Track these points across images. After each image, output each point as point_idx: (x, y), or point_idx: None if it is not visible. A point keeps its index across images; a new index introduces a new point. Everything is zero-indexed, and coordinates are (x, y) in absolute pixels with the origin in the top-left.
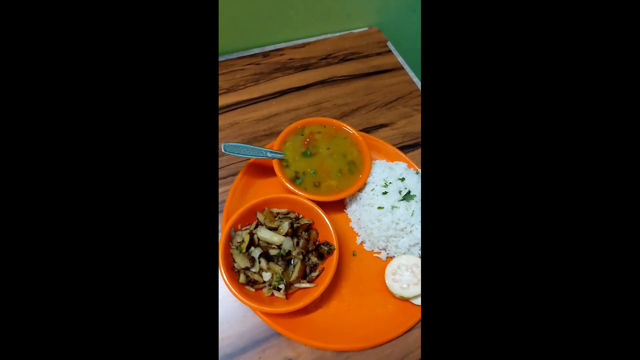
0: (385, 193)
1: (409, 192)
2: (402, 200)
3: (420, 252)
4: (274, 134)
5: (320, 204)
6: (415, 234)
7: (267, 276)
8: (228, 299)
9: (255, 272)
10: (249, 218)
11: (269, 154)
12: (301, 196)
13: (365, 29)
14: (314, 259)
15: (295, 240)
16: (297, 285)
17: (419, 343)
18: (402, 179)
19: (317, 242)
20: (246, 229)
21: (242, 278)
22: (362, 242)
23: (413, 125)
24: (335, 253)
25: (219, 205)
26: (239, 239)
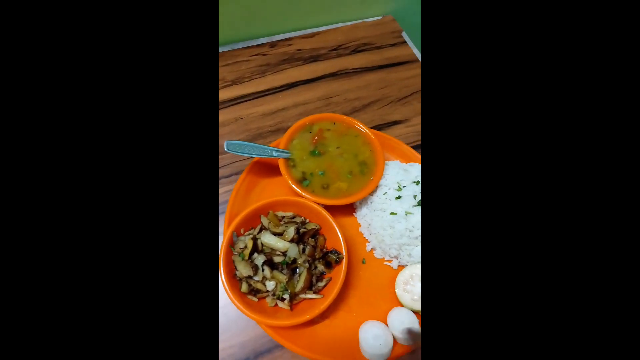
0: (398, 198)
1: None
2: (417, 206)
3: None
4: (280, 130)
5: (328, 207)
6: None
7: (270, 285)
8: (229, 307)
9: (258, 281)
10: (252, 222)
11: (274, 153)
12: (308, 199)
13: (379, 17)
14: (320, 268)
15: (302, 246)
16: (303, 295)
17: None
18: (418, 183)
19: (325, 250)
20: (249, 234)
21: (244, 287)
22: (372, 249)
23: None
24: (344, 262)
25: (221, 207)
26: (241, 245)
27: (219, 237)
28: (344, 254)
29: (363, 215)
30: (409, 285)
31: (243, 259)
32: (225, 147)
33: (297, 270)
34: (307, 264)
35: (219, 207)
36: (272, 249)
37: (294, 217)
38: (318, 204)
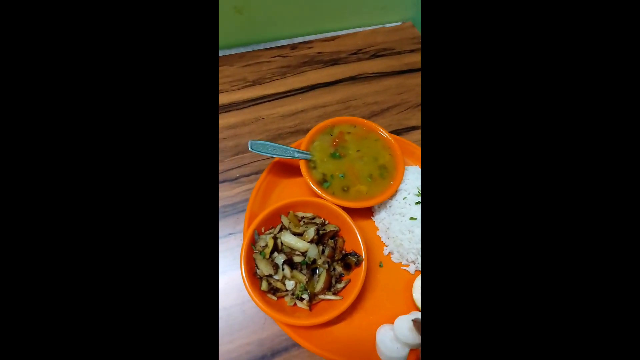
0: (418, 203)
1: None
2: None
3: None
4: (300, 131)
5: (347, 209)
6: None
7: (290, 285)
8: (248, 304)
9: (278, 280)
10: (272, 221)
11: (296, 154)
12: (328, 201)
13: (398, 23)
14: (339, 269)
15: (321, 247)
16: (322, 296)
17: None
18: None
19: (344, 252)
20: (270, 233)
21: (264, 285)
22: (389, 253)
23: None
24: (364, 264)
25: (242, 205)
26: (262, 243)
27: (239, 234)
28: (363, 256)
29: (381, 218)
30: None
31: (264, 257)
32: (249, 146)
33: (317, 270)
34: (326, 265)
35: (239, 206)
36: (292, 249)
37: (313, 218)
38: (338, 205)
